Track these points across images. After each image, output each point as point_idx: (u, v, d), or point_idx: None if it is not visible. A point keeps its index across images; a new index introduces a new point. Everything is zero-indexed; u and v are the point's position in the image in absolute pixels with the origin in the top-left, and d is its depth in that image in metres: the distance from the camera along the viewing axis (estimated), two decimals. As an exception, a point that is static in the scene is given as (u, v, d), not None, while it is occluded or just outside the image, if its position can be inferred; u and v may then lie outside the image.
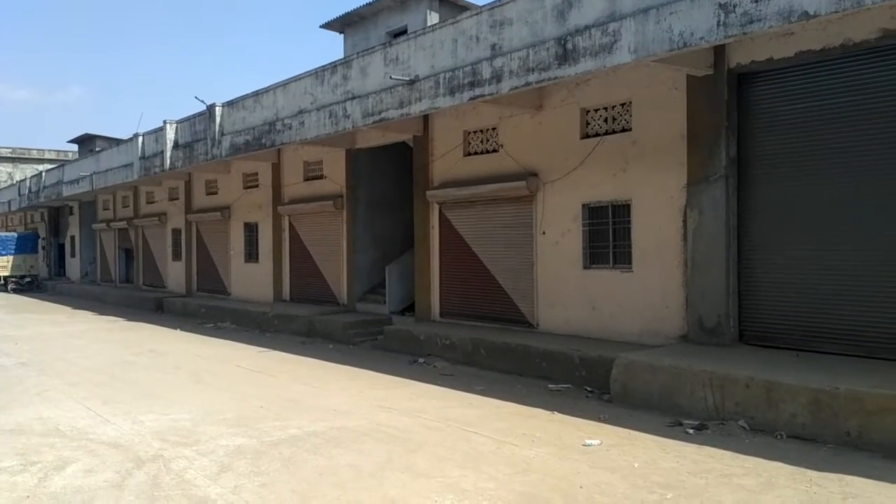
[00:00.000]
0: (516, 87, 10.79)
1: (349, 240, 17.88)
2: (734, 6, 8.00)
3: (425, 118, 14.90)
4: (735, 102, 9.99)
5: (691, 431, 7.85)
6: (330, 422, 8.51)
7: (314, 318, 16.96)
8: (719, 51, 9.83)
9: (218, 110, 19.09)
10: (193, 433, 8.07)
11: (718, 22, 8.17)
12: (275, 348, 15.01)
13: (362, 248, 17.85)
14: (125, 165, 25.12)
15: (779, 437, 7.54)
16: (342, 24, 21.80)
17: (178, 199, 26.36)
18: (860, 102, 8.86)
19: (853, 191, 8.95)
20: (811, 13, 7.41)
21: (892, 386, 7.17)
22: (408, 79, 12.69)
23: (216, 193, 23.92)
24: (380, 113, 13.54)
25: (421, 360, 13.00)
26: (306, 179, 19.51)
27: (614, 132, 11.63)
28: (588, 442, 7.50)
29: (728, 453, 7.05)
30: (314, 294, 19.27)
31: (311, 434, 7.95)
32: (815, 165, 9.30)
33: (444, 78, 11.97)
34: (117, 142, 28.77)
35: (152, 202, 28.63)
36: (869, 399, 7.06)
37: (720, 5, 8.13)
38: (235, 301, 21.95)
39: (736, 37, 8.19)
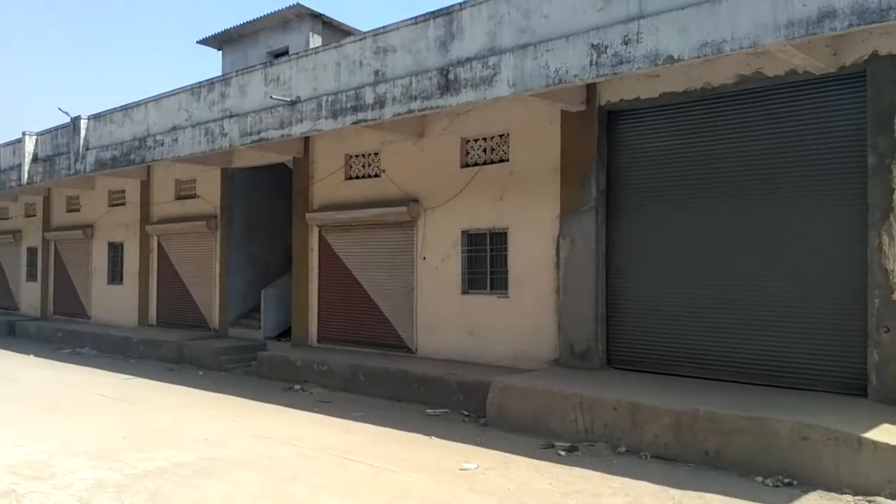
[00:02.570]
0: (399, 114, 10.91)
1: (222, 262, 17.33)
2: (606, 47, 8.48)
3: (306, 140, 14.75)
4: (605, 138, 10.54)
5: (563, 453, 8.11)
6: (200, 452, 8.16)
7: (183, 344, 16.25)
8: (592, 88, 10.37)
9: (83, 123, 18.09)
10: (49, 466, 7.51)
11: (591, 61, 8.62)
12: (140, 375, 14.24)
13: (236, 271, 17.33)
14: (-25, 178, 23.24)
15: (644, 457, 7.92)
16: (220, 40, 21.31)
17: (35, 215, 24.65)
18: (716, 142, 9.57)
19: (705, 224, 9.63)
20: (675, 57, 7.97)
21: (745, 407, 7.71)
22: (289, 100, 12.55)
23: (78, 210, 22.56)
24: (259, 133, 13.29)
25: (297, 386, 12.72)
26: (178, 198, 18.78)
27: (493, 162, 11.97)
28: (465, 466, 7.59)
29: (597, 474, 7.33)
30: (183, 318, 18.48)
31: (180, 465, 7.59)
32: (675, 199, 9.94)
33: (327, 101, 11.93)
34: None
35: (6, 218, 26.60)
36: (725, 420, 7.56)
37: (593, 45, 8.59)
38: (96, 325, 20.69)
39: (607, 76, 8.67)
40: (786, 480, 6.97)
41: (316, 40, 18.73)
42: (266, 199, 17.54)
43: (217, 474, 7.28)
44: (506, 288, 11.70)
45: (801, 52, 7.79)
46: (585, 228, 10.53)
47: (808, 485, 6.85)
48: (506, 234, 11.72)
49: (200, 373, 14.73)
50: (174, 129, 15.38)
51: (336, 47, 12.10)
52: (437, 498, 6.60)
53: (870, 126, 8.16)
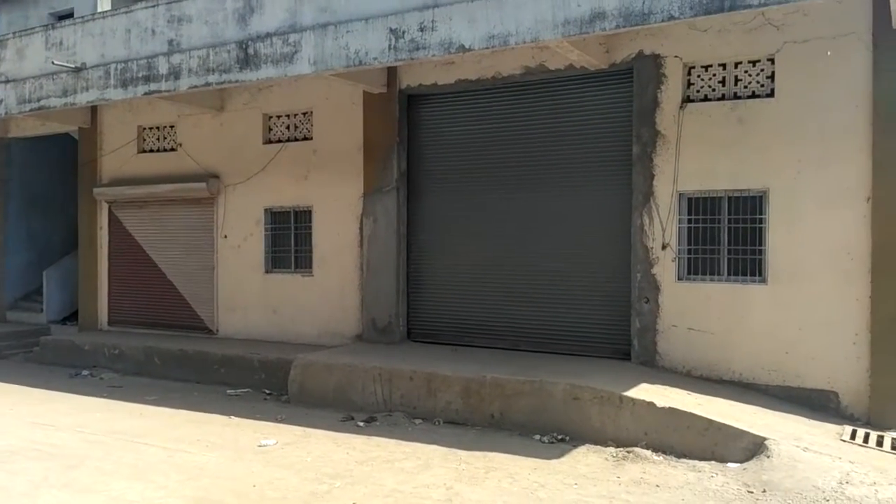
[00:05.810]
0: (196, 87, 10.54)
1: (-2, 240, 15.81)
2: (403, 32, 8.75)
3: (94, 109, 13.79)
4: (406, 121, 10.87)
5: (362, 424, 8.41)
6: (-30, 445, 7.55)
7: (-49, 330, 14.71)
8: (392, 72, 10.64)
9: None
10: None
11: (390, 45, 8.87)
12: None
13: (14, 250, 15.87)
14: None
15: (437, 423, 8.41)
16: (-6, -4, 19.20)
17: None
18: (504, 129, 10.20)
19: (492, 205, 10.27)
20: (467, 46, 8.40)
21: (526, 373, 8.40)
22: (73, 66, 11.68)
23: None
24: (39, 100, 12.25)
25: (85, 372, 12.01)
26: (-57, 169, 16.81)
27: (297, 140, 11.92)
28: (264, 442, 7.65)
29: (392, 441, 7.69)
30: (-49, 302, 16.65)
31: (-55, 460, 7.00)
32: (468, 181, 10.50)
33: (116, 69, 11.25)
34: None
35: None
36: (507, 385, 8.21)
37: (391, 30, 8.83)
38: None
39: (405, 60, 8.95)
40: (560, 437, 7.73)
41: (105, 4, 17.42)
42: (49, 171, 16.16)
43: (-10, 467, 6.80)
44: (310, 266, 11.76)
45: (577, 49, 8.52)
46: (388, 208, 10.84)
47: (579, 440, 7.64)
48: (310, 212, 11.76)
49: (-29, 362, 13.45)
50: (-64, 91, 13.74)
51: (126, 13, 11.40)
52: (232, 475, 6.62)
53: (635, 118, 9.13)
